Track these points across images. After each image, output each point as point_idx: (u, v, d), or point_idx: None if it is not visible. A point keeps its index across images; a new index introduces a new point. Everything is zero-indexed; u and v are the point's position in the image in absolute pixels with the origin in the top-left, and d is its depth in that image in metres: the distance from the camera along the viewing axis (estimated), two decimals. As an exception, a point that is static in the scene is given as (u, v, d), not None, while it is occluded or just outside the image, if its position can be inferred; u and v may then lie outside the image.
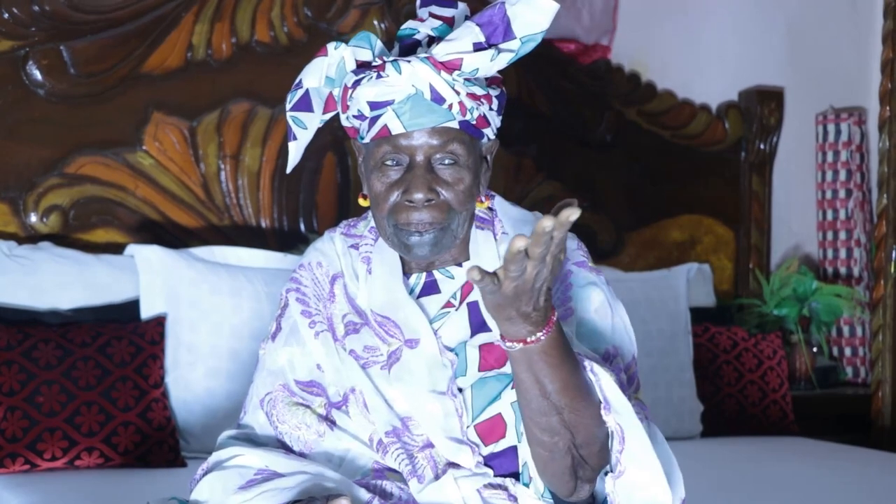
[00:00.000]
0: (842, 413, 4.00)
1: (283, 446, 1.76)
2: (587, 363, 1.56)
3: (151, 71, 3.27)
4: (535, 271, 1.39)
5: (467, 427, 1.70)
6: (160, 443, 2.78)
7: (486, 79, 1.71)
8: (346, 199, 3.50)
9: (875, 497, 2.73)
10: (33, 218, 3.14)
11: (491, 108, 1.71)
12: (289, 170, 1.79)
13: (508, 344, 1.50)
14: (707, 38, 4.16)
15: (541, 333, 1.47)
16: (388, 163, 1.68)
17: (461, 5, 1.76)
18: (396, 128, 1.66)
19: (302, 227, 3.45)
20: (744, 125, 4.11)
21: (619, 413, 1.55)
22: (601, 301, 1.72)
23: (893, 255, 4.03)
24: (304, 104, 1.74)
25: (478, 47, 1.63)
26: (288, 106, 1.74)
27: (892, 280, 4.03)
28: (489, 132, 1.73)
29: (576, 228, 1.96)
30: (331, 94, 1.75)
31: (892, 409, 3.99)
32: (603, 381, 1.55)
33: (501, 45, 1.63)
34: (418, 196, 1.66)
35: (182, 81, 3.30)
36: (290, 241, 3.39)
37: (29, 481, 2.58)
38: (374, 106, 1.67)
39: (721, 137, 4.09)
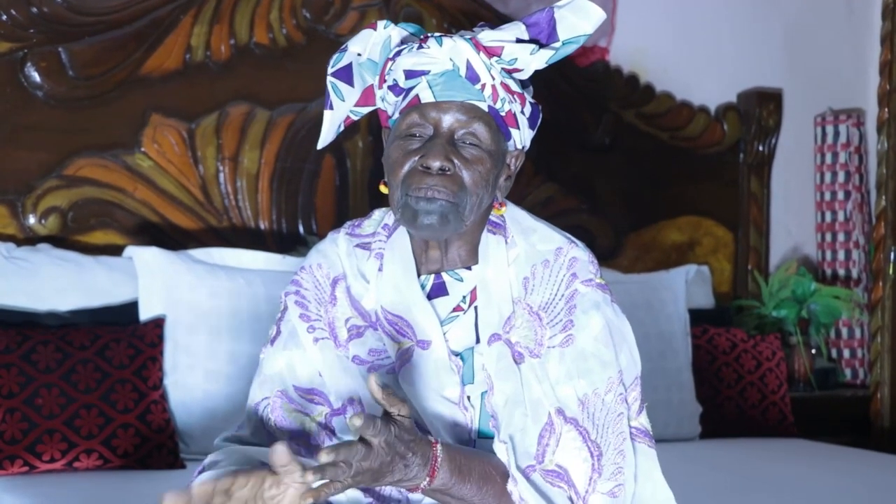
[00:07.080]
0: (841, 414, 4.00)
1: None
2: (509, 484, 1.62)
3: (150, 73, 3.27)
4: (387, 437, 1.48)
5: (476, 438, 1.70)
6: (159, 445, 2.78)
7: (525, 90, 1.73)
8: (344, 202, 3.50)
9: (874, 498, 2.72)
10: (32, 220, 3.14)
11: (523, 112, 1.71)
12: (320, 145, 1.79)
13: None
14: (705, 40, 4.16)
15: (429, 479, 1.55)
16: (412, 133, 1.69)
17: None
18: (427, 97, 1.68)
19: (301, 229, 3.45)
20: (742, 127, 4.11)
21: None
22: (602, 326, 1.69)
23: (892, 256, 4.04)
24: (346, 75, 1.75)
25: (520, 42, 1.67)
26: (330, 69, 1.75)
27: (891, 282, 4.03)
28: (517, 136, 1.73)
29: (575, 230, 1.96)
30: (370, 87, 1.76)
31: (890, 410, 4.00)
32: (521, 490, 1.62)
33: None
34: (435, 163, 1.66)
35: (180, 84, 3.30)
36: (289, 243, 3.39)
37: (27, 483, 2.58)
38: (409, 75, 1.68)
39: (719, 139, 4.09)
